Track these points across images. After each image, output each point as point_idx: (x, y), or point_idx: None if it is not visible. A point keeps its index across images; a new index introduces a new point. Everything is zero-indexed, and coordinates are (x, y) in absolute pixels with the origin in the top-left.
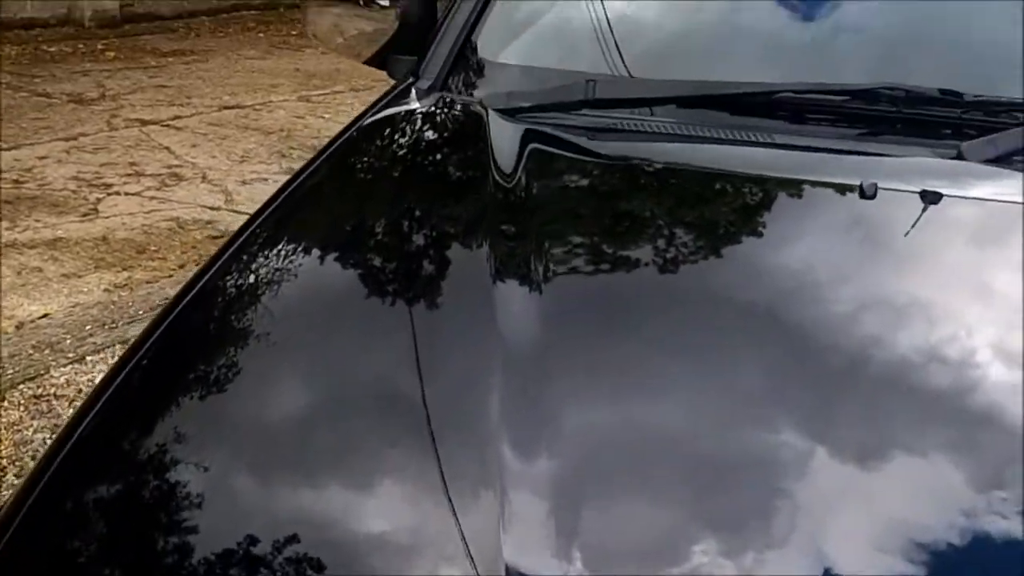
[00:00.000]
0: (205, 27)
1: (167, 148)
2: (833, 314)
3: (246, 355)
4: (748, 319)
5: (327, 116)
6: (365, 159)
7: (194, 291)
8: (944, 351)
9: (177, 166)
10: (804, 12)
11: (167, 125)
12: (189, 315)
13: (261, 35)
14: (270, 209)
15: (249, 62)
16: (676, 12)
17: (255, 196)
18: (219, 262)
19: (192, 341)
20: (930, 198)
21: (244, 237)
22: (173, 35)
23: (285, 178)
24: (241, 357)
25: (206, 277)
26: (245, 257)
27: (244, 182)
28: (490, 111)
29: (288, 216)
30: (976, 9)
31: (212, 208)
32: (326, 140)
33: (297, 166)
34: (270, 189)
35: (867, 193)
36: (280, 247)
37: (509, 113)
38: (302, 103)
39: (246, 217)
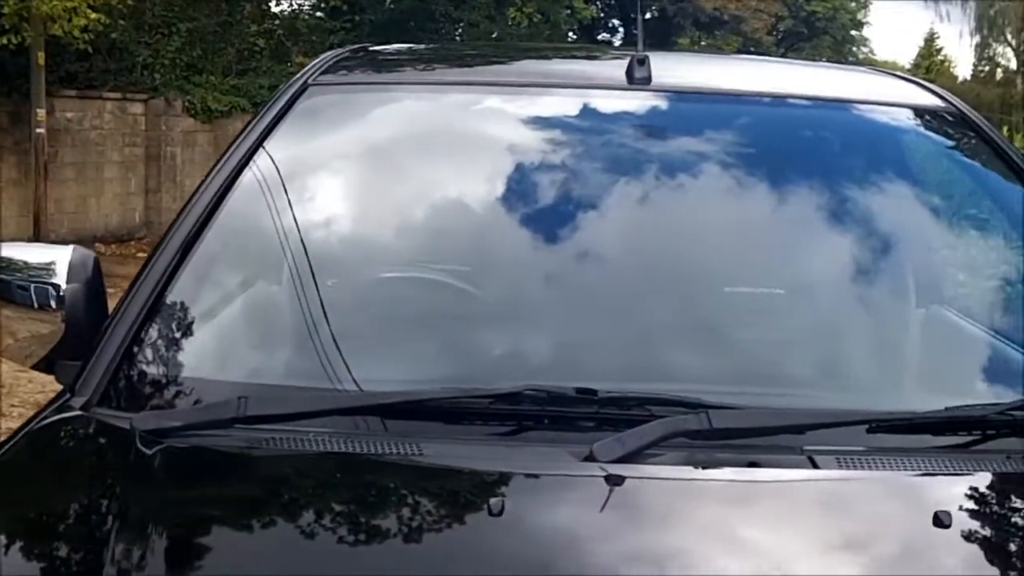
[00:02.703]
0: None
1: None
2: None
3: None
4: None
5: None
6: (23, 471)
7: None
8: None
9: None
10: (453, 316)
11: None
12: None
13: None
14: None
15: None
16: (332, 317)
17: None
18: None
19: None
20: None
21: None
22: None
23: None
24: None
25: None
26: None
27: None
28: (138, 431)
29: None
30: (612, 306)
31: None
32: (52, 394)
33: (16, 425)
34: None
35: (494, 511)
36: None
37: (159, 432)
38: None
39: None
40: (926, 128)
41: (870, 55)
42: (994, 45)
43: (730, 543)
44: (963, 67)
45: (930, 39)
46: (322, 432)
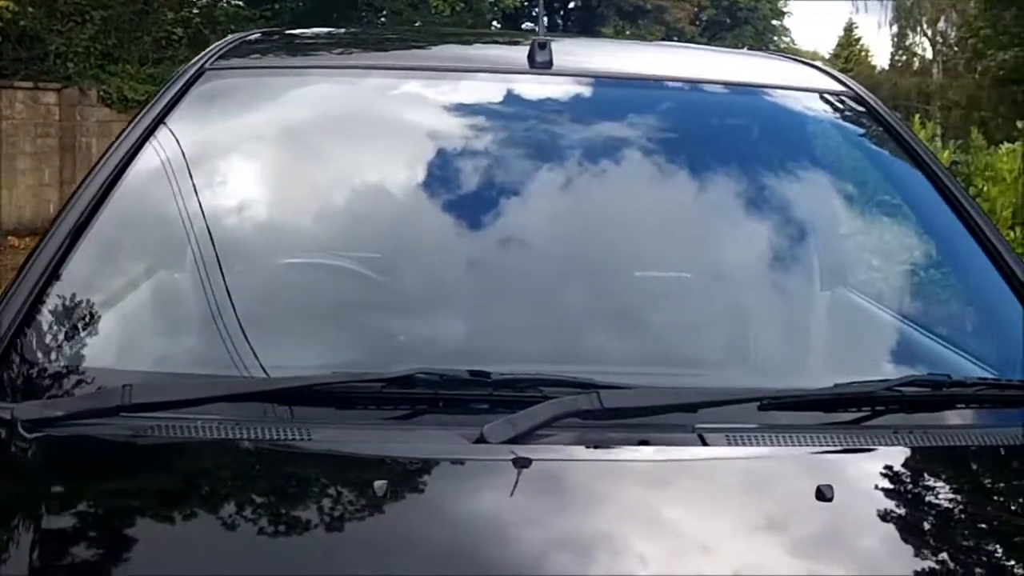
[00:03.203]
0: None
1: None
2: None
3: None
4: None
5: None
6: None
7: None
8: None
9: None
10: (352, 301)
11: None
12: None
13: None
14: None
15: None
16: (224, 303)
17: None
18: None
19: None
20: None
21: None
22: None
23: None
24: None
25: None
26: None
27: None
28: (19, 421)
29: None
30: (515, 290)
31: None
32: None
33: None
34: None
35: (379, 494)
36: None
37: (41, 422)
38: None
39: None
40: (827, 112)
41: (791, 45)
42: (911, 35)
43: (612, 520)
44: (881, 57)
45: (849, 29)
46: (210, 419)
